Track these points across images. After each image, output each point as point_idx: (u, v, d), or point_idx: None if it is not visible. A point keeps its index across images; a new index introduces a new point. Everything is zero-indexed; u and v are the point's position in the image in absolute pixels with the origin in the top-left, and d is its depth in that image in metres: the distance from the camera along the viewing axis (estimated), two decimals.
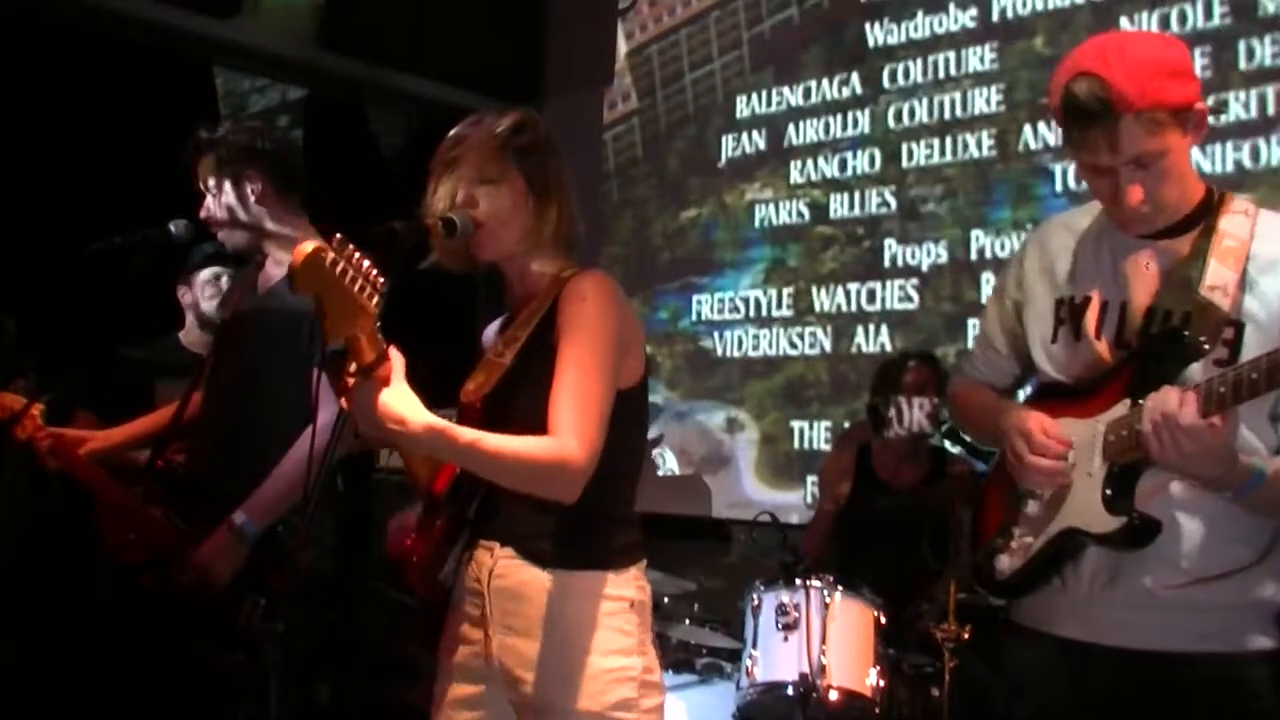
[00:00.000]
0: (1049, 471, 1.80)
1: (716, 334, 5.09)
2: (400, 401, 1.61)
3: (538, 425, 1.74)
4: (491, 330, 2.05)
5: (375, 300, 1.51)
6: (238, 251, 2.77)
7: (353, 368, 1.58)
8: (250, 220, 2.64)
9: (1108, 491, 1.74)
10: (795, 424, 4.79)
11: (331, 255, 1.46)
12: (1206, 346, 1.66)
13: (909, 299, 4.54)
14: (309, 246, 1.45)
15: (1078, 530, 1.78)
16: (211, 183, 2.66)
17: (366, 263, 1.50)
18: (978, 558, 1.97)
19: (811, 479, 4.60)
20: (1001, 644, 2.07)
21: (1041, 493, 1.85)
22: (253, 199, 2.64)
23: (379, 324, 1.55)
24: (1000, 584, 1.92)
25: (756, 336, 4.96)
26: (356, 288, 1.48)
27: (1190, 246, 1.78)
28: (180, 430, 2.76)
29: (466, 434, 1.67)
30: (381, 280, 1.51)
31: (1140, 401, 1.70)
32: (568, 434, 1.71)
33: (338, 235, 1.51)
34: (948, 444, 3.42)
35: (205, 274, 3.59)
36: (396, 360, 1.62)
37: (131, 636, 3.01)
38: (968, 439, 2.87)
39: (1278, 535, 1.76)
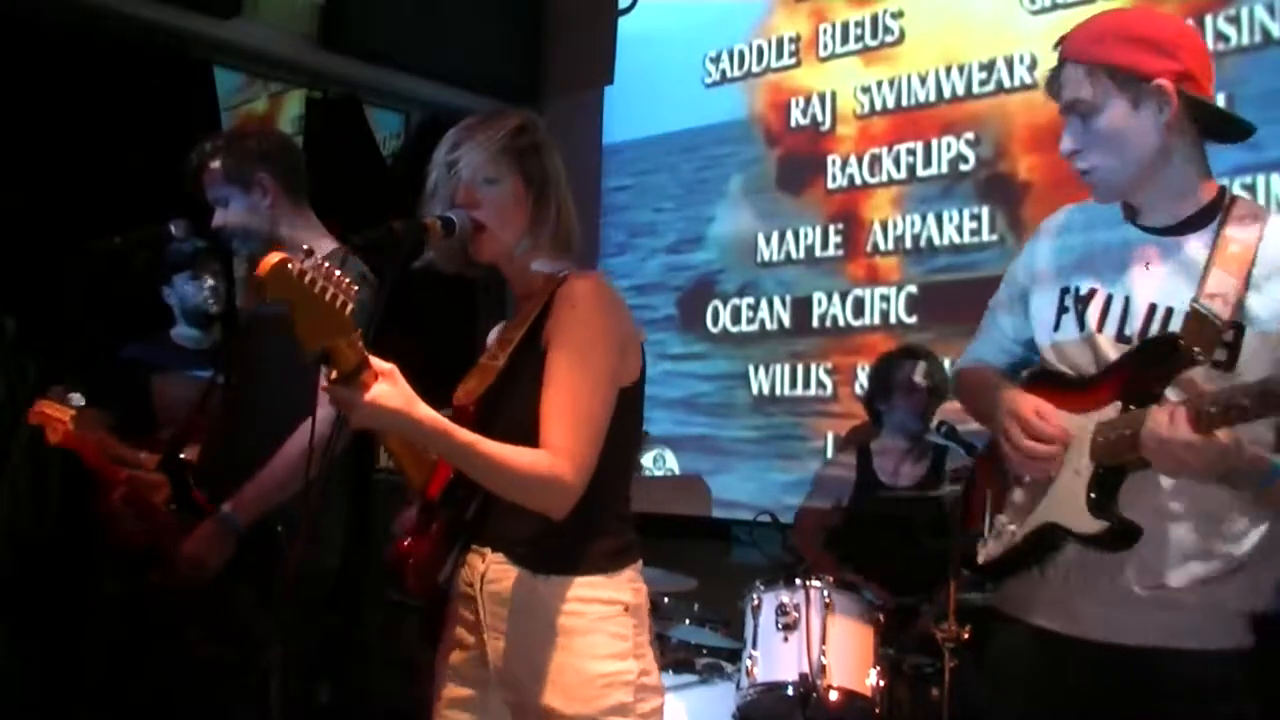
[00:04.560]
0: (1042, 457, 1.79)
1: None
2: (400, 394, 1.58)
3: (525, 430, 1.73)
4: (495, 332, 2.05)
5: (348, 308, 1.48)
6: (253, 256, 2.76)
7: (333, 375, 1.55)
8: (265, 225, 2.63)
9: (1092, 495, 1.73)
10: (795, 424, 4.78)
11: (298, 265, 1.44)
12: (1201, 357, 1.65)
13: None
14: (274, 258, 1.43)
15: (1059, 526, 1.79)
16: (220, 191, 2.64)
17: (338, 272, 1.48)
18: (964, 541, 1.99)
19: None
20: (987, 635, 2.09)
21: (1027, 479, 1.85)
22: (266, 203, 2.63)
23: (359, 330, 1.53)
24: (982, 567, 1.95)
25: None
26: (328, 296, 1.46)
27: (1196, 248, 1.76)
28: (194, 431, 2.76)
29: (465, 434, 1.66)
30: (355, 288, 1.49)
31: (1131, 407, 1.70)
32: (560, 452, 1.71)
33: (305, 246, 1.50)
34: (947, 442, 3.41)
35: (184, 273, 3.61)
36: (390, 367, 1.59)
37: (133, 635, 3.02)
38: (965, 439, 2.88)
39: (1255, 548, 1.75)
